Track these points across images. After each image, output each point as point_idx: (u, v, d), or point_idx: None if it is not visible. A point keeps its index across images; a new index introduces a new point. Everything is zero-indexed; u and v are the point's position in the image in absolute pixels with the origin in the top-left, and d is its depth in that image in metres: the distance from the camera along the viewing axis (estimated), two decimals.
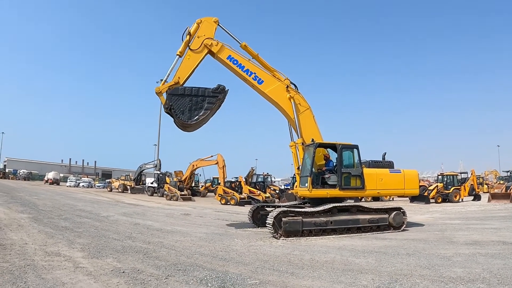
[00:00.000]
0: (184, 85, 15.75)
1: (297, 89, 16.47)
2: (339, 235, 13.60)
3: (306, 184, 14.27)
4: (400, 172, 15.88)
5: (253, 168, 45.05)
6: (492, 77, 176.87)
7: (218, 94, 15.63)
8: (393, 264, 8.89)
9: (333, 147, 15.17)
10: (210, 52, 16.09)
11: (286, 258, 9.66)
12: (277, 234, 13.01)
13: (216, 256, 9.86)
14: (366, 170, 15.01)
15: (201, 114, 15.41)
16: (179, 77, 15.74)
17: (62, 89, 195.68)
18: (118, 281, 7.05)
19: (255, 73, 16.08)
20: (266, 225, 13.47)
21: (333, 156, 15.38)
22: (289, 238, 12.85)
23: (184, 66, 15.95)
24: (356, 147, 15.03)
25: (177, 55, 15.94)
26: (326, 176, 14.76)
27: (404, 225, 15.06)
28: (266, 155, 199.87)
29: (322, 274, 7.94)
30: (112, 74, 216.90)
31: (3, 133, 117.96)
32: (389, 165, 16.17)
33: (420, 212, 23.99)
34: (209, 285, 6.97)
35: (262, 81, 16.09)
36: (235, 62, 16.08)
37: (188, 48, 15.90)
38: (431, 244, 11.80)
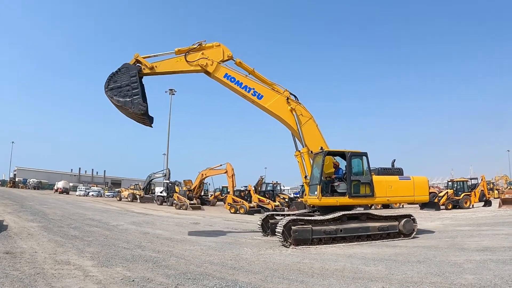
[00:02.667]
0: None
1: (298, 100, 16.37)
2: (349, 243, 13.54)
3: (316, 192, 14.23)
4: (410, 179, 15.79)
5: (263, 177, 44.91)
6: (499, 82, 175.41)
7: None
8: (403, 272, 8.83)
9: (342, 154, 15.16)
10: (206, 72, 16.03)
11: (296, 267, 9.63)
12: (286, 242, 12.97)
13: (226, 265, 9.86)
14: (375, 178, 14.94)
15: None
16: (156, 66, 15.83)
17: (71, 98, 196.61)
18: None
19: (253, 89, 15.99)
20: (276, 233, 13.44)
21: (342, 164, 15.36)
22: (299, 247, 12.81)
23: (169, 63, 16.06)
24: (365, 154, 14.96)
25: (175, 50, 15.96)
26: (335, 184, 14.68)
27: (415, 232, 14.93)
28: (275, 164, 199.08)
29: (332, 283, 7.90)
30: None
31: (13, 142, 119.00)
32: (399, 172, 16.08)
33: (431, 219, 23.80)
34: None
35: (262, 96, 15.99)
36: (232, 79, 15.97)
37: (185, 54, 15.88)
38: (441, 251, 11.71)
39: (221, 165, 42.17)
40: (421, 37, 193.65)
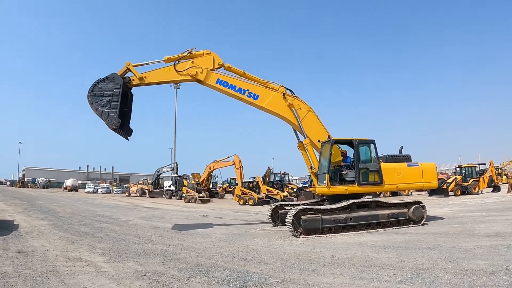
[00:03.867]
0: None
1: (294, 94, 16.22)
2: (359, 231, 13.52)
3: (324, 182, 14.21)
4: (418, 165, 15.72)
5: (270, 168, 44.86)
6: (506, 68, 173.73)
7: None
8: (414, 259, 8.81)
9: (349, 143, 15.10)
10: (197, 80, 15.83)
11: (307, 256, 9.64)
12: (296, 232, 12.98)
13: (237, 256, 9.87)
14: (383, 165, 14.90)
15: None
16: (145, 77, 15.73)
17: (75, 97, 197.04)
18: (140, 284, 7.11)
19: (248, 90, 15.81)
20: (286, 223, 13.43)
21: (349, 152, 15.30)
22: (309, 236, 12.82)
23: (158, 73, 15.90)
24: (373, 142, 14.89)
25: (164, 58, 15.79)
26: (343, 172, 14.64)
27: (424, 219, 14.91)
28: (282, 154, 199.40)
29: (344, 271, 7.90)
30: None
31: (20, 143, 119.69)
32: (407, 159, 16.01)
33: (440, 206, 23.74)
34: (231, 285, 6.98)
35: (258, 96, 15.82)
36: (225, 84, 15.77)
37: (174, 63, 15.77)
38: (452, 237, 11.68)
39: (228, 157, 42.18)
40: (428, 26, 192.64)
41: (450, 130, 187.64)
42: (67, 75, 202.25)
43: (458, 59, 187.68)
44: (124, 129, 15.96)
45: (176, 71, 15.67)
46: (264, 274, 7.76)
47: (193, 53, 15.89)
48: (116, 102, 15.01)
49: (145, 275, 7.81)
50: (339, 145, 15.41)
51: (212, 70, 15.78)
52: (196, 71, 15.58)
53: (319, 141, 15.45)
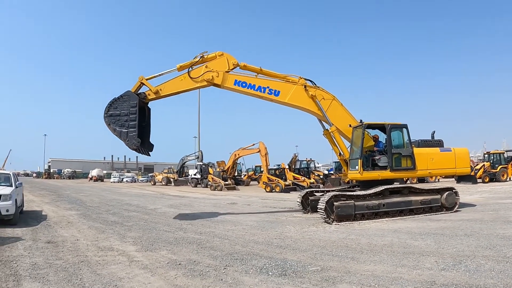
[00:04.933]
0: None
1: (315, 84, 15.84)
2: (392, 218, 13.32)
3: (357, 167, 13.98)
4: (451, 150, 15.36)
5: (296, 154, 44.68)
6: None
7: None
8: (453, 246, 8.61)
9: (381, 127, 14.81)
10: (214, 84, 15.44)
11: (343, 243, 9.48)
12: (329, 219, 12.84)
13: (271, 243, 9.75)
14: (416, 150, 14.59)
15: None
16: (161, 89, 15.31)
17: (100, 87, 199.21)
18: (175, 274, 6.98)
19: (268, 87, 15.43)
20: (318, 210, 13.27)
21: (382, 137, 14.99)
22: (342, 223, 12.67)
23: (173, 84, 15.48)
24: (405, 126, 14.56)
25: (176, 67, 15.38)
26: (376, 157, 14.40)
27: (457, 206, 14.65)
28: (306, 141, 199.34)
29: (383, 258, 7.72)
30: (150, 67, 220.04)
31: (45, 135, 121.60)
32: (439, 144, 15.65)
33: (469, 193, 23.39)
34: (270, 273, 6.84)
35: (279, 92, 15.45)
36: (244, 84, 15.41)
37: (188, 70, 15.37)
38: (487, 224, 11.46)
39: (253, 145, 41.87)
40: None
41: (475, 118, 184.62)
42: (90, 63, 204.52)
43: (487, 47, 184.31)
44: (144, 146, 15.83)
45: (191, 78, 15.28)
46: (303, 262, 7.62)
47: (205, 57, 15.45)
48: (134, 121, 14.69)
49: (180, 264, 7.71)
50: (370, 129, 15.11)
51: (228, 71, 15.40)
52: (212, 76, 15.19)
53: (350, 125, 15.17)
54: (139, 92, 15.37)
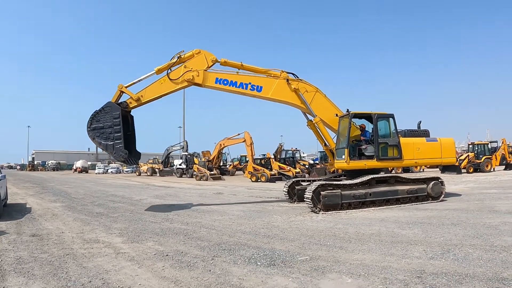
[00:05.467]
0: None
1: (297, 77, 15.63)
2: (378, 207, 13.39)
3: (343, 156, 13.97)
4: (437, 140, 15.50)
5: (281, 144, 44.65)
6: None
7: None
8: (441, 235, 8.68)
9: (368, 117, 14.83)
10: (195, 84, 15.13)
11: (331, 232, 9.48)
12: (316, 208, 12.84)
13: (259, 233, 9.71)
14: (403, 140, 14.65)
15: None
16: (142, 96, 14.97)
17: (82, 76, 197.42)
18: (163, 265, 6.87)
19: (250, 83, 15.12)
20: (305, 199, 13.28)
21: (368, 127, 15.01)
22: (329, 212, 12.69)
23: (154, 88, 15.10)
24: (392, 116, 14.58)
25: (154, 70, 15.00)
26: (363, 147, 14.41)
27: (443, 195, 14.82)
28: (291, 131, 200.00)
29: (372, 247, 7.73)
30: (134, 59, 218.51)
31: (29, 126, 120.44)
32: (425, 133, 15.73)
33: (454, 183, 23.74)
34: (258, 263, 6.78)
35: (261, 87, 15.17)
36: (225, 82, 15.12)
37: (167, 72, 15.04)
38: (473, 213, 11.60)
39: (238, 134, 41.67)
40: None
41: (458, 107, 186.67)
42: (73, 54, 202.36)
43: (469, 35, 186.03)
44: (131, 156, 15.53)
45: (171, 80, 14.93)
46: (291, 252, 7.58)
47: (182, 56, 15.12)
48: (119, 133, 14.36)
49: (167, 255, 7.60)
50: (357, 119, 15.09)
51: (207, 69, 15.11)
52: (192, 75, 14.86)
53: (336, 115, 15.11)
54: (120, 101, 15.02)
